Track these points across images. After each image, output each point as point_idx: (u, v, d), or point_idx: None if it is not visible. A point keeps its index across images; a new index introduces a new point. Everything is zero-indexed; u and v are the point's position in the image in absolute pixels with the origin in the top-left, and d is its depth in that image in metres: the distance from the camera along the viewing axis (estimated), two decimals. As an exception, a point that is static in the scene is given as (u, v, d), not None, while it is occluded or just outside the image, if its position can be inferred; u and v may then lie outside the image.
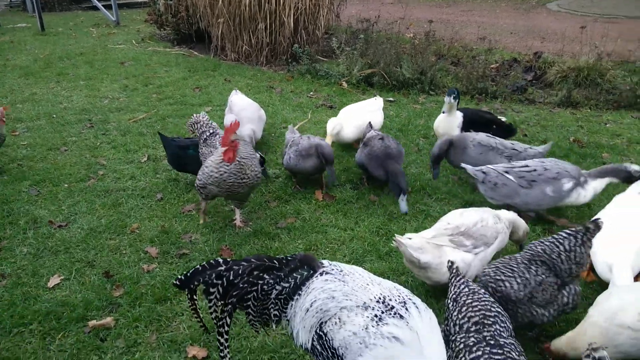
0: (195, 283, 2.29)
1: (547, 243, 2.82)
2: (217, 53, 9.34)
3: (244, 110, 5.45)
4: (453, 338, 2.34)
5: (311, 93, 7.54)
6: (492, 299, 2.47)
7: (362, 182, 4.87)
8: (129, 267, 3.59)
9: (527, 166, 4.06)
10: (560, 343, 2.68)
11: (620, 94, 6.87)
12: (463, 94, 7.39)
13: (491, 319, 2.31)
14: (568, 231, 2.80)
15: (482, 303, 2.40)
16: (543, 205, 4.05)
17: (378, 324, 2.06)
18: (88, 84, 7.78)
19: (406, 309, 2.12)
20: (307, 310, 2.23)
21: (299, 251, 3.81)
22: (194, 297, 2.37)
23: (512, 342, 2.23)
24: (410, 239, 3.16)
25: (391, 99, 7.27)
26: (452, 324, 2.41)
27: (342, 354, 2.09)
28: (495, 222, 3.32)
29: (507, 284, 2.77)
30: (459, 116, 5.10)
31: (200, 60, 9.16)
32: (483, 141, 4.52)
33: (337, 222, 4.23)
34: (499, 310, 2.40)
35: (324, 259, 3.67)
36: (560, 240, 2.78)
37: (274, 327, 2.39)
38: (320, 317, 2.19)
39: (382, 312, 2.09)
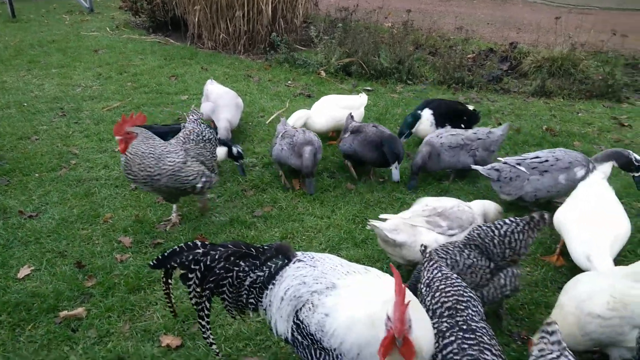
0: (172, 264, 2.29)
1: (484, 228, 2.85)
2: (193, 41, 9.20)
3: (221, 98, 5.39)
4: None
5: (289, 82, 7.49)
6: (464, 284, 2.50)
7: (349, 169, 4.76)
8: (102, 257, 3.54)
9: (537, 157, 4.09)
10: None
11: (593, 84, 7.00)
12: (440, 84, 7.45)
13: (464, 304, 2.34)
14: (508, 220, 2.84)
15: (455, 288, 2.42)
16: (559, 193, 4.04)
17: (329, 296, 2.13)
18: (60, 72, 7.59)
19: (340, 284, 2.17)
20: (282, 298, 2.24)
21: (275, 240, 3.81)
22: (169, 280, 2.37)
23: (484, 325, 2.26)
24: (385, 220, 3.25)
25: (369, 88, 7.28)
26: (425, 309, 2.42)
27: (320, 337, 2.11)
28: (470, 211, 3.39)
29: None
30: (427, 116, 5.06)
31: (177, 48, 9.01)
32: (452, 143, 4.53)
33: (314, 210, 4.24)
34: (471, 294, 2.44)
35: (301, 247, 3.71)
36: (497, 226, 2.81)
37: (250, 315, 2.43)
38: (295, 305, 2.20)
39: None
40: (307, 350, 2.19)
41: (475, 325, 2.22)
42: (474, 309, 2.32)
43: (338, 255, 2.50)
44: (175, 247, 2.32)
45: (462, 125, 5.09)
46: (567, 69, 7.34)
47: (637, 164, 3.93)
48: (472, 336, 2.16)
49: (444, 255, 2.82)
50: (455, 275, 2.53)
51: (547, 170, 4.00)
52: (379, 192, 4.52)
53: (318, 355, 2.16)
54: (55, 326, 2.94)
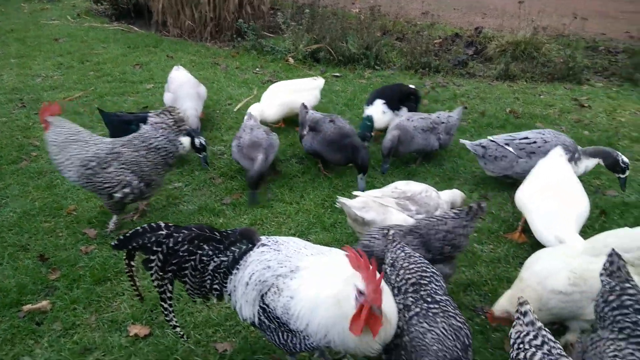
0: (134, 244, 2.25)
1: (433, 220, 2.87)
2: (158, 28, 9.00)
3: (182, 88, 5.30)
4: None
5: (257, 69, 7.43)
6: (426, 261, 2.56)
7: (321, 171, 4.61)
8: (66, 249, 3.48)
9: (527, 138, 4.12)
10: (502, 303, 2.73)
11: (555, 67, 7.17)
12: (407, 69, 7.50)
13: (427, 279, 2.39)
14: (453, 211, 2.90)
15: (418, 265, 2.47)
16: None
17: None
18: (19, 62, 7.34)
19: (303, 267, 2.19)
20: (247, 283, 2.23)
21: (245, 226, 3.80)
22: (132, 262, 2.34)
23: (447, 298, 2.33)
24: (355, 197, 3.31)
25: (337, 74, 7.28)
26: (390, 287, 2.47)
27: (286, 320, 2.13)
28: (437, 197, 3.43)
29: (374, 242, 2.84)
30: (379, 107, 5.01)
31: (141, 36, 8.81)
32: (424, 127, 4.59)
33: (283, 196, 4.25)
34: (434, 271, 2.49)
35: (270, 232, 3.72)
36: (445, 217, 2.86)
37: (215, 301, 2.39)
38: (260, 289, 2.20)
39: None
40: (274, 333, 2.21)
41: (439, 298, 2.29)
42: (437, 283, 2.37)
43: (307, 240, 2.52)
44: (138, 227, 2.28)
45: (414, 105, 5.22)
46: (530, 53, 7.49)
47: (623, 165, 3.94)
48: (436, 306, 2.22)
49: (377, 236, 2.81)
50: (418, 254, 2.56)
51: (534, 152, 4.03)
52: (347, 176, 4.55)
53: (285, 338, 2.18)
54: (19, 320, 2.89)
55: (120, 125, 4.45)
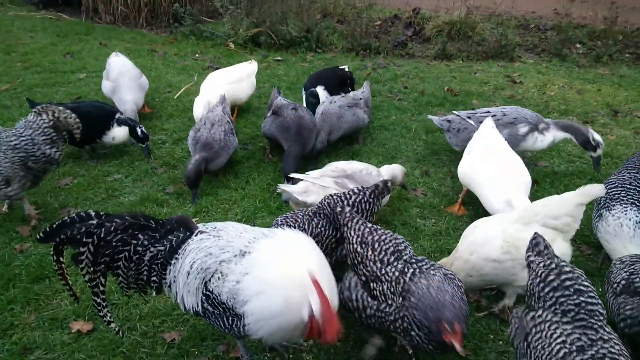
0: (62, 237, 2.09)
1: (334, 197, 2.89)
2: (89, 15, 8.59)
3: (122, 77, 5.08)
4: (380, 273, 2.33)
5: (197, 55, 7.27)
6: (388, 230, 2.55)
7: (265, 155, 4.58)
8: (-1, 249, 3.32)
9: (488, 112, 4.23)
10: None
11: (488, 45, 7.44)
12: (348, 51, 7.56)
13: (402, 245, 2.45)
14: (355, 189, 2.93)
15: (387, 234, 2.48)
16: None
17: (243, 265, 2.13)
18: (-64, 54, 6.83)
19: (253, 247, 2.18)
20: (188, 273, 2.17)
21: (190, 215, 3.75)
22: (61, 258, 2.17)
23: (424, 257, 2.41)
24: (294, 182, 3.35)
25: (279, 58, 7.24)
26: (370, 262, 2.38)
27: (232, 305, 2.12)
28: (377, 175, 3.51)
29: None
30: (322, 92, 5.02)
31: (71, 23, 8.38)
32: (349, 103, 4.63)
33: (228, 182, 4.21)
34: (400, 236, 2.52)
35: (216, 219, 3.69)
36: (347, 197, 2.87)
37: (153, 294, 2.29)
38: (202, 277, 2.16)
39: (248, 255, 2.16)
40: (219, 319, 2.20)
41: (419, 257, 2.40)
42: (409, 247, 2.47)
43: (254, 225, 2.52)
44: (66, 218, 2.13)
45: (350, 89, 5.24)
46: (465, 33, 7.73)
47: (593, 143, 4.02)
48: (422, 264, 2.34)
49: (292, 223, 2.76)
50: (377, 226, 2.57)
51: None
52: (292, 160, 4.55)
53: (230, 322, 2.18)
54: (-49, 325, 2.74)
55: None
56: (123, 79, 5.07)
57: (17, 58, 6.80)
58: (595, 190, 2.71)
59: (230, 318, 2.16)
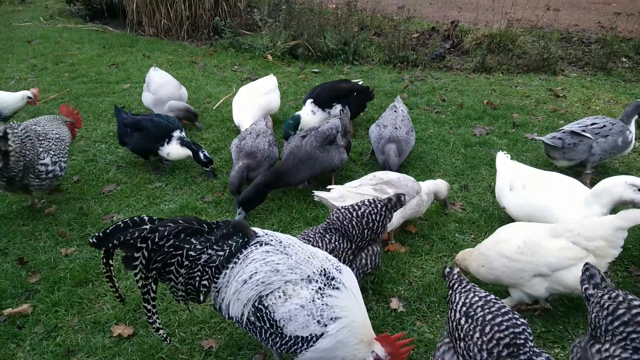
0: (115, 242, 2.10)
1: (342, 211, 2.86)
2: (133, 28, 8.89)
3: (162, 89, 5.24)
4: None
5: (235, 67, 7.39)
6: (506, 306, 2.16)
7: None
8: (45, 252, 3.43)
9: (595, 124, 4.29)
10: (466, 256, 2.99)
11: (530, 58, 7.28)
12: (385, 63, 7.54)
13: (522, 335, 1.98)
14: (367, 201, 2.89)
15: (506, 315, 2.05)
16: (614, 154, 4.33)
17: (323, 296, 2.14)
18: (-9, 64, 7.18)
19: (340, 279, 2.23)
20: (245, 281, 2.16)
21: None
22: (111, 261, 2.19)
23: (548, 356, 2.03)
24: (331, 189, 3.41)
25: (316, 70, 7.29)
26: (474, 348, 2.01)
27: (284, 325, 2.12)
28: (413, 185, 3.51)
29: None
30: (308, 107, 4.93)
31: (116, 35, 8.69)
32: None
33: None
34: (522, 320, 2.07)
35: (254, 227, 3.71)
36: (355, 208, 2.85)
37: (201, 299, 2.28)
38: (260, 290, 2.15)
39: (324, 285, 2.17)
40: (260, 332, 2.19)
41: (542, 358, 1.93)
42: (530, 338, 2.00)
43: (290, 234, 2.52)
44: (119, 222, 2.15)
45: (356, 102, 5.08)
46: (506, 45, 7.59)
47: None
48: None
49: (306, 241, 2.71)
50: (492, 295, 2.19)
51: (608, 135, 4.24)
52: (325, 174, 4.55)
53: (268, 336, 2.18)
54: (0, 324, 2.83)
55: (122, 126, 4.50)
56: (163, 90, 5.22)
57: (65, 68, 7.08)
58: (637, 215, 2.61)
59: (273, 334, 2.17)
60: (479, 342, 1.97)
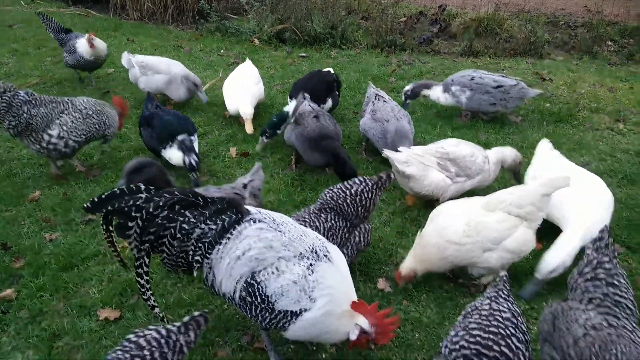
0: (109, 208, 2.07)
1: (335, 190, 2.91)
2: (117, 12, 8.73)
3: (173, 66, 5.26)
4: None
5: (222, 51, 7.31)
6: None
7: (289, 166, 4.35)
8: (29, 237, 3.38)
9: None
10: (410, 262, 2.89)
11: (517, 42, 7.30)
12: (373, 48, 7.50)
13: None
14: (357, 179, 2.93)
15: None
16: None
17: (313, 272, 2.15)
18: (-30, 49, 7.01)
19: (329, 257, 2.24)
20: (238, 257, 2.15)
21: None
22: (110, 227, 2.15)
23: None
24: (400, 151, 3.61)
25: (304, 54, 7.23)
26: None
27: (275, 300, 2.14)
28: (483, 162, 3.58)
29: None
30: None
31: (99, 19, 8.53)
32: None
33: (252, 177, 4.21)
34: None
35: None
36: (348, 186, 2.89)
37: (194, 274, 2.26)
38: (253, 266, 2.15)
39: (315, 261, 2.18)
40: (250, 308, 2.20)
41: None
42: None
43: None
44: (115, 189, 2.10)
45: (337, 92, 5.00)
46: (493, 29, 7.59)
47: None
48: None
49: (302, 223, 2.73)
50: (512, 315, 2.02)
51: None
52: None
53: (259, 312, 2.19)
54: (-17, 310, 2.80)
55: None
56: (176, 67, 5.23)
57: (47, 53, 6.94)
58: (559, 182, 2.81)
59: (263, 310, 2.18)
60: (449, 339, 1.99)
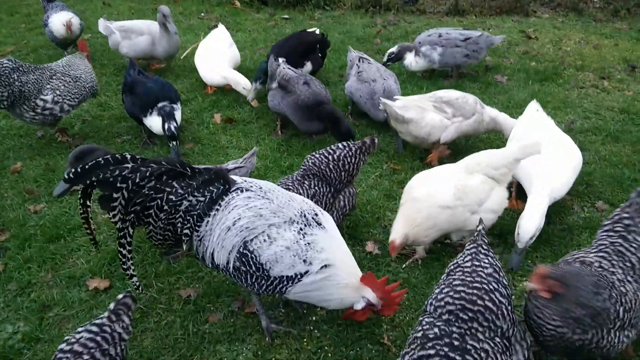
0: (93, 179, 1.97)
1: (318, 156, 2.89)
2: (91, -25, 8.38)
3: (153, 25, 5.09)
4: None
5: (202, 14, 7.11)
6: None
7: (275, 131, 4.29)
8: (13, 209, 3.34)
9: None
10: (399, 230, 2.75)
11: (502, 0, 7.18)
12: (357, 8, 7.34)
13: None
14: (340, 145, 2.93)
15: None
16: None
17: (305, 236, 2.16)
18: (-62, 17, 6.73)
19: (318, 220, 2.24)
20: (229, 228, 2.13)
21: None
22: (88, 202, 2.08)
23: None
24: (396, 99, 3.75)
25: (286, 16, 7.07)
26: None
27: (270, 267, 2.14)
28: (474, 102, 3.69)
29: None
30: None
31: (73, -17, 8.19)
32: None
33: (239, 142, 4.18)
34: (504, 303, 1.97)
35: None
36: (330, 152, 2.88)
37: (184, 248, 2.22)
38: (244, 236, 2.13)
39: (305, 226, 2.19)
40: (244, 276, 2.20)
41: (472, 345, 1.81)
42: (485, 323, 1.88)
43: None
44: (100, 159, 1.99)
45: (319, 56, 4.89)
46: (479, -14, 7.45)
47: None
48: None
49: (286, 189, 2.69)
50: (493, 270, 2.04)
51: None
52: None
53: (254, 280, 2.20)
54: (-29, 284, 2.78)
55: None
56: (156, 26, 5.07)
57: (21, 19, 6.70)
58: (532, 149, 2.86)
59: (258, 278, 2.19)
60: (434, 296, 1.99)
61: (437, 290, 2.03)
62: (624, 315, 1.99)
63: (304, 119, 3.98)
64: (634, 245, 2.18)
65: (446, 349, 1.77)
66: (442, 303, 1.93)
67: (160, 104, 3.89)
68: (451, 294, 1.94)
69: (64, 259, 2.97)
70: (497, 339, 1.86)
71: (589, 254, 2.20)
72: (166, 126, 3.77)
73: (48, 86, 3.74)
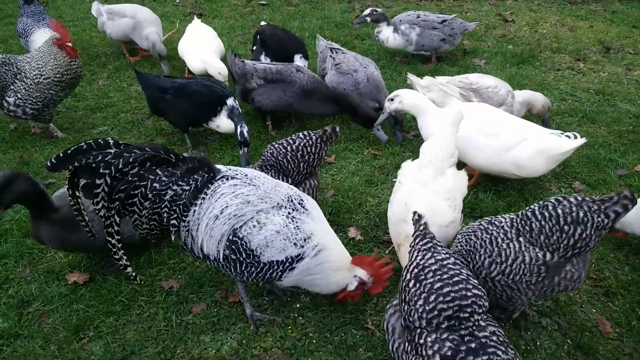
0: (75, 164, 1.89)
1: (276, 146, 2.78)
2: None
3: (141, 12, 5.07)
4: (418, 338, 1.86)
5: (177, 1, 6.97)
6: (465, 272, 1.96)
7: (268, 132, 4.12)
8: (-13, 205, 3.25)
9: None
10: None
11: (480, -17, 7.20)
12: (335, -7, 7.28)
13: (469, 308, 1.80)
14: (301, 134, 2.82)
15: (460, 283, 1.86)
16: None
17: (293, 220, 2.17)
18: None
19: (304, 205, 2.25)
20: (217, 217, 2.09)
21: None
22: (77, 192, 2.00)
23: (495, 331, 1.90)
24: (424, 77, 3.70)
25: (264, 2, 6.97)
26: (414, 314, 1.85)
27: (260, 253, 2.14)
28: (506, 95, 3.63)
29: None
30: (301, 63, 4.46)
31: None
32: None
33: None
34: (479, 290, 1.87)
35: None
36: (290, 141, 2.78)
37: (172, 238, 2.17)
38: (233, 224, 2.11)
39: (293, 210, 2.19)
40: (233, 265, 2.19)
41: (484, 335, 1.77)
42: (480, 309, 1.82)
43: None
44: (82, 143, 1.92)
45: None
46: (456, -30, 7.44)
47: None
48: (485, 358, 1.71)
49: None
50: (452, 258, 1.94)
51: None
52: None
53: (244, 268, 2.19)
54: (-55, 282, 2.71)
55: (155, 91, 3.77)
56: (143, 14, 5.05)
57: (-12, 9, 6.48)
58: (458, 117, 2.63)
59: (247, 265, 2.18)
60: (420, 310, 1.82)
61: (420, 302, 1.83)
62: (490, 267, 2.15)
63: (318, 102, 3.84)
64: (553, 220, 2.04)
65: (470, 358, 1.69)
66: (436, 312, 1.79)
67: (229, 101, 3.65)
68: (440, 299, 1.80)
69: (42, 254, 2.91)
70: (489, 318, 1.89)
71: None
72: (239, 130, 3.51)
73: (12, 87, 3.62)
